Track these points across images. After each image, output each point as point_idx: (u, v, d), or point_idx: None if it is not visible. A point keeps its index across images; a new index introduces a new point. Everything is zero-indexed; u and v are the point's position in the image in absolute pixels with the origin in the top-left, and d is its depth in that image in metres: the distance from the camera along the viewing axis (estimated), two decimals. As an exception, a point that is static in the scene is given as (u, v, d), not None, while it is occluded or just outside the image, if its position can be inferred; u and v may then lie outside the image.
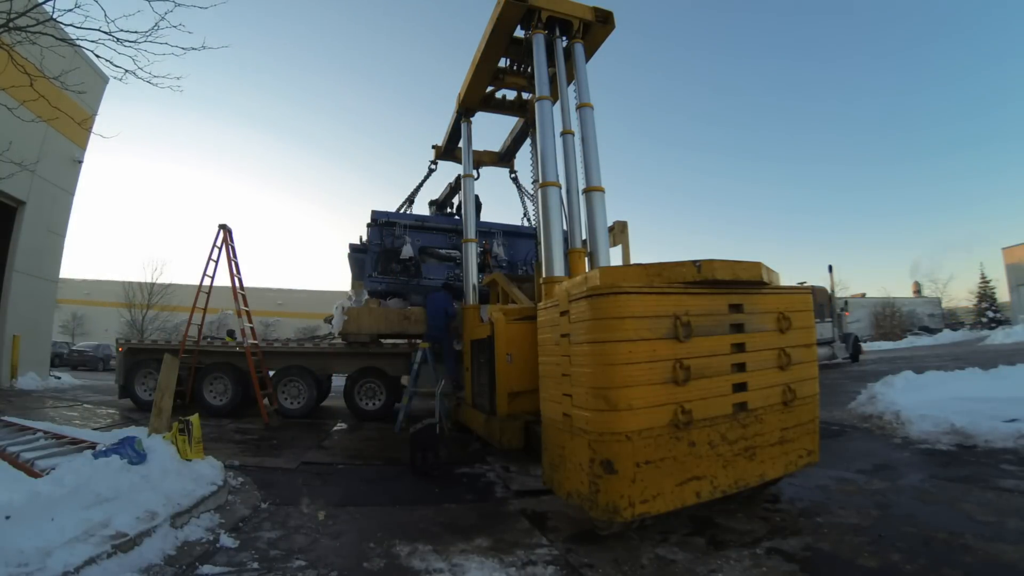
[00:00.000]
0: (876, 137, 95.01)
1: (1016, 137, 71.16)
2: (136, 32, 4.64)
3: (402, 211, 9.59)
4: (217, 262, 8.36)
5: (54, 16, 4.84)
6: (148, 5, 4.60)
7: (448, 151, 9.25)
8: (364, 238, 9.10)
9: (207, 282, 8.30)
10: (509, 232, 9.48)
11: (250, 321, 8.27)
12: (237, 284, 8.35)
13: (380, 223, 8.65)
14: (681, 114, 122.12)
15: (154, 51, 4.76)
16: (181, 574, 2.64)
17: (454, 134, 8.54)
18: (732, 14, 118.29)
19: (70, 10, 4.49)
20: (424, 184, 9.80)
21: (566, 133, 5.59)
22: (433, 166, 9.60)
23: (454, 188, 10.16)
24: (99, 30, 4.57)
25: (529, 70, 6.66)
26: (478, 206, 10.25)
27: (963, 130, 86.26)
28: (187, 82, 5.31)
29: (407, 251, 8.47)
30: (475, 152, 8.17)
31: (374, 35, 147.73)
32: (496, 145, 9.24)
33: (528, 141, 7.99)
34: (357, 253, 9.24)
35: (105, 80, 13.11)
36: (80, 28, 4.66)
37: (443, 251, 8.94)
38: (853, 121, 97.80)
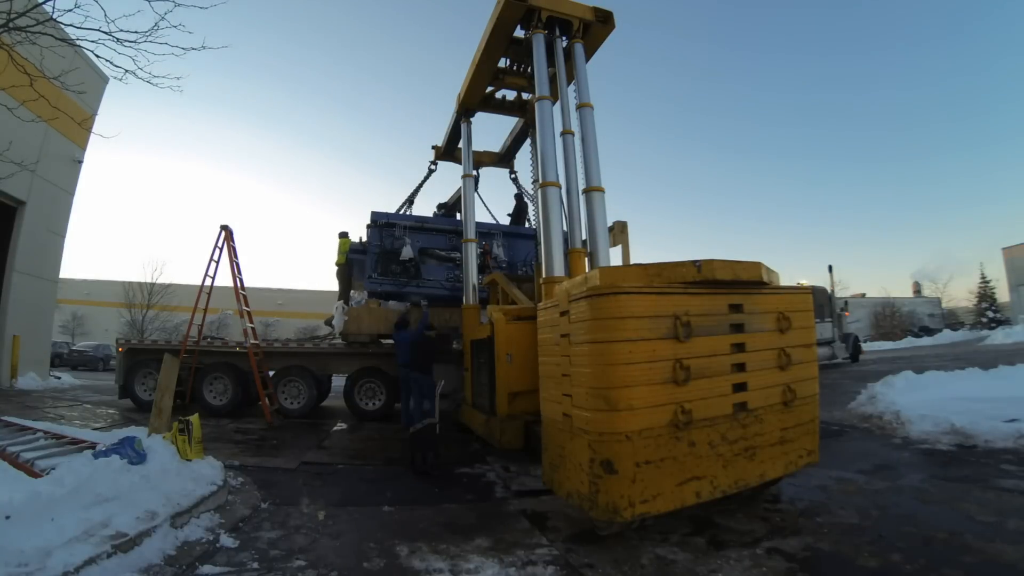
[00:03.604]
0: (877, 135, 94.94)
1: (1017, 136, 70.94)
2: (136, 32, 4.65)
3: (402, 212, 9.59)
4: (218, 263, 8.38)
5: (54, 16, 4.85)
6: (148, 5, 4.61)
7: (448, 151, 9.26)
8: (363, 239, 9.10)
9: (208, 282, 8.31)
10: (509, 233, 9.48)
11: (251, 321, 8.28)
12: (238, 284, 8.36)
13: (380, 224, 8.65)
14: (678, 109, 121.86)
15: (154, 51, 4.77)
16: (181, 574, 2.64)
17: (454, 134, 8.55)
18: (731, 7, 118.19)
19: (70, 10, 4.50)
20: (424, 185, 9.82)
21: (566, 133, 5.60)
22: (433, 166, 9.60)
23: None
24: (99, 30, 4.57)
25: (529, 70, 6.66)
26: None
27: (966, 129, 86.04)
28: (187, 82, 5.32)
29: (407, 252, 8.46)
30: (475, 152, 8.18)
31: (373, 34, 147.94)
32: (496, 145, 9.26)
33: (528, 141, 8.00)
34: (357, 254, 9.23)
35: (105, 80, 13.09)
36: (80, 28, 4.67)
37: (443, 252, 8.94)
38: (853, 118, 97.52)
